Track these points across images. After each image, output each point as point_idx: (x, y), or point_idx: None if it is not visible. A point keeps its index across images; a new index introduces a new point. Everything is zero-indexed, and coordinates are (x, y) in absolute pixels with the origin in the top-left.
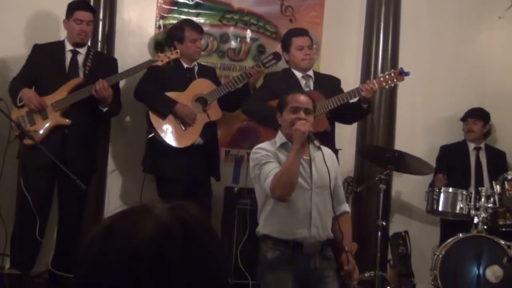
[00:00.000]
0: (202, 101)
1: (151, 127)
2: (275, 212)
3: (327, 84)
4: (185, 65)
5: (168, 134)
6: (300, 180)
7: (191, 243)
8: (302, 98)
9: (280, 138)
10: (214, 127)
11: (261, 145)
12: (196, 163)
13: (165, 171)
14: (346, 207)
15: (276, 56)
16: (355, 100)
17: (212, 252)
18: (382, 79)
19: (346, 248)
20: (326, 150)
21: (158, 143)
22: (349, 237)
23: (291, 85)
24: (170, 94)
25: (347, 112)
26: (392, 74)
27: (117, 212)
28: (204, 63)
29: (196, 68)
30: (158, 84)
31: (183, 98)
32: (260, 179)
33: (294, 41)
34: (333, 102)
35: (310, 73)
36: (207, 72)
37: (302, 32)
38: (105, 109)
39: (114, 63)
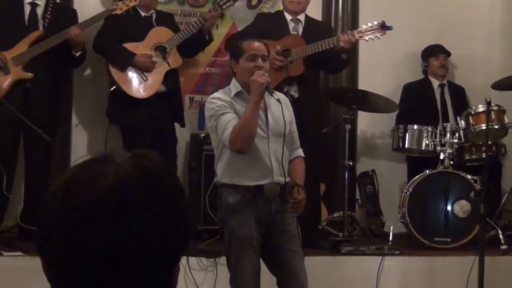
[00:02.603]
0: (161, 49)
1: (112, 80)
2: (233, 161)
3: (318, 31)
4: (143, 14)
5: (130, 85)
6: (257, 129)
7: (155, 192)
8: (258, 44)
9: (235, 86)
10: (176, 74)
11: (215, 94)
12: (160, 111)
13: (130, 121)
14: (301, 152)
15: None
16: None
17: (176, 200)
18: (363, 30)
19: (297, 183)
20: (283, 99)
21: (121, 94)
22: (302, 176)
23: (279, 27)
24: (129, 45)
25: (327, 61)
26: (374, 27)
27: (79, 163)
28: (163, 10)
29: (154, 16)
30: (116, 35)
31: (142, 48)
32: (218, 131)
33: None
34: (310, 48)
35: (301, 17)
36: (165, 19)
37: None
38: (78, 54)
39: (73, 14)
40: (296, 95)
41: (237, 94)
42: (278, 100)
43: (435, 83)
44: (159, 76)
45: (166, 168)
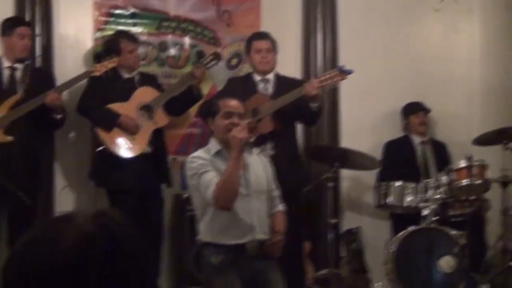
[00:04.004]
0: (147, 109)
1: (100, 141)
2: (215, 219)
3: (288, 87)
4: (126, 75)
5: (118, 145)
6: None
7: (116, 252)
8: (234, 102)
9: (214, 145)
10: (161, 134)
11: (196, 153)
12: (146, 172)
13: (117, 183)
14: (281, 207)
15: (217, 56)
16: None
17: (137, 260)
18: (322, 78)
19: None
20: (262, 156)
21: (107, 155)
22: (281, 224)
23: (248, 89)
24: (113, 105)
25: (297, 113)
26: (332, 74)
27: (40, 224)
28: (145, 72)
29: (137, 78)
30: (99, 98)
31: (126, 109)
32: (201, 189)
33: (253, 45)
34: (277, 103)
35: (270, 76)
36: (149, 80)
37: (261, 35)
38: (58, 117)
39: (51, 77)
40: (272, 152)
41: (217, 153)
42: (258, 154)
43: (416, 140)
44: (146, 135)
45: (129, 228)
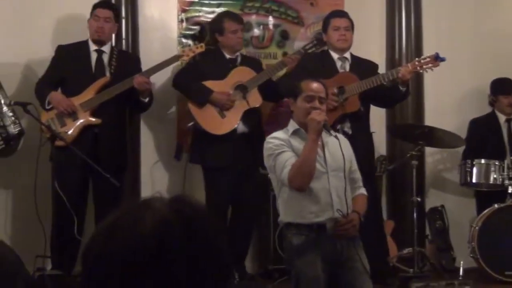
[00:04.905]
0: (242, 88)
1: (191, 116)
2: (293, 198)
3: (364, 68)
4: (228, 56)
5: (208, 121)
6: (316, 164)
7: (191, 236)
8: (316, 86)
9: (292, 125)
10: (258, 115)
11: (274, 134)
12: (242, 152)
13: (212, 161)
14: (363, 190)
15: (319, 42)
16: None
17: (212, 243)
18: (417, 63)
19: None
20: (341, 137)
21: (200, 132)
22: (360, 207)
23: (326, 66)
24: (209, 82)
25: (385, 95)
26: (428, 59)
27: (119, 209)
28: (250, 55)
29: (239, 59)
30: (197, 74)
31: (222, 86)
32: (276, 170)
33: (332, 22)
34: (366, 83)
35: (347, 55)
36: (251, 63)
37: (340, 13)
38: (146, 99)
39: (137, 60)
40: (350, 131)
41: (295, 132)
42: (336, 136)
43: (502, 117)
44: (237, 114)
45: (204, 212)
